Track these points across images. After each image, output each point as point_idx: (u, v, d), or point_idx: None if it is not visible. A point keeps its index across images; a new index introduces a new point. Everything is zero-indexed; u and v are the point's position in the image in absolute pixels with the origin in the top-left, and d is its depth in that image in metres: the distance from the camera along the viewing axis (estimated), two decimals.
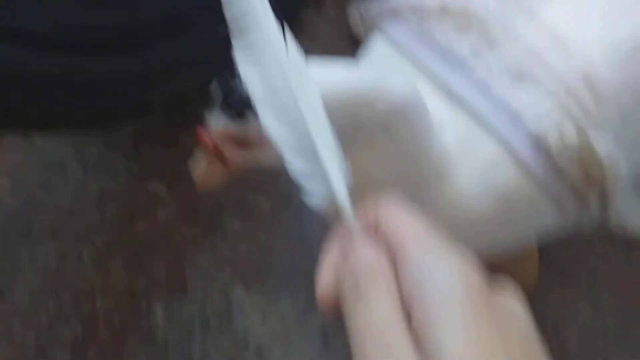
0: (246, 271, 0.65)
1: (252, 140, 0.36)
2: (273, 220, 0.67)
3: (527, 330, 0.27)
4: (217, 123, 0.37)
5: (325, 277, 0.29)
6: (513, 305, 0.28)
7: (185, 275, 0.64)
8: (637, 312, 0.63)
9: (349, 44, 0.63)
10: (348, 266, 0.28)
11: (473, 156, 0.42)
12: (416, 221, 0.28)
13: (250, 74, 0.33)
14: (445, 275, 0.26)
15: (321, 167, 0.30)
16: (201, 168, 0.39)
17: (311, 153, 0.30)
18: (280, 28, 0.33)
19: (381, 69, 0.46)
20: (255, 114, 0.32)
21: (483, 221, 0.44)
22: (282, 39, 0.32)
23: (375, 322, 0.27)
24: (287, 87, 0.32)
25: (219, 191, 0.73)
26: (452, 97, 0.43)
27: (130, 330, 0.62)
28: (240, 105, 0.35)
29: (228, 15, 0.32)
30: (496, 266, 0.63)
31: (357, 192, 0.30)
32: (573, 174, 0.43)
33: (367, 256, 0.28)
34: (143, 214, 0.66)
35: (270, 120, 0.32)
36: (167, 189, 0.68)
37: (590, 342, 0.61)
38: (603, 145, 0.42)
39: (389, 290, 0.27)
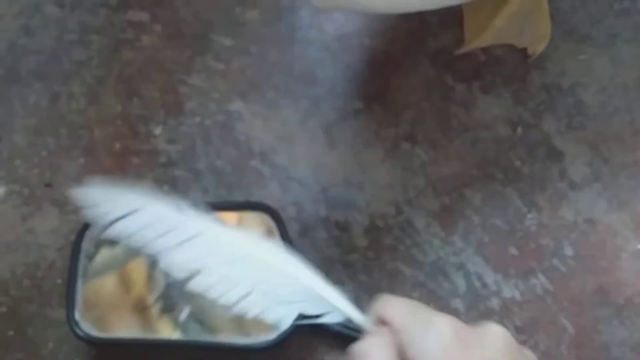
0: (242, 84, 0.62)
1: None
2: (264, 31, 0.64)
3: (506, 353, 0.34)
4: None
5: None
6: (492, 334, 0.34)
7: (180, 95, 0.62)
8: None
9: None
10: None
11: None
12: (403, 304, 0.37)
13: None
14: (425, 337, 0.34)
15: (332, 307, 0.39)
16: None
17: (320, 304, 0.39)
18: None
19: None
20: None
21: None
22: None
23: None
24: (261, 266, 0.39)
25: (205, 9, 0.69)
26: None
27: (132, 154, 0.61)
28: None
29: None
30: (502, 30, 0.59)
31: None
32: None
33: (370, 340, 0.36)
34: (128, 43, 0.64)
35: (266, 308, 0.40)
36: (150, 15, 0.64)
37: (610, 98, 0.58)
38: None
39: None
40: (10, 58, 0.64)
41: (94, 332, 0.49)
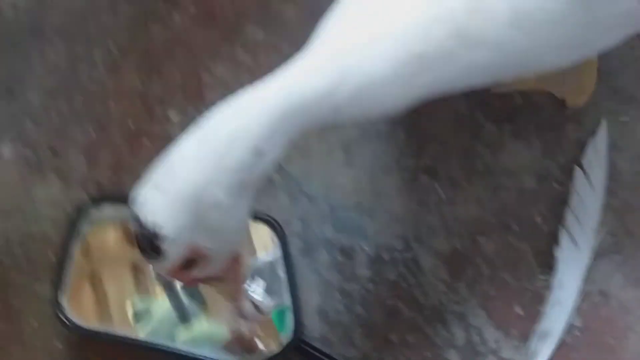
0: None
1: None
2: (298, 29, 0.61)
3: None
4: (162, 268, 0.38)
5: None
6: None
7: (202, 82, 0.60)
8: None
9: None
10: None
11: None
12: None
13: None
14: None
15: None
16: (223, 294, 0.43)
17: None
18: None
19: None
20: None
21: (559, 22, 0.38)
22: None
23: None
24: None
25: None
26: None
27: (144, 134, 0.59)
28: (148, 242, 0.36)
29: None
30: (545, 77, 0.57)
31: None
32: None
33: None
34: (159, 17, 0.61)
35: None
36: None
37: None
38: None
39: None
40: (37, 11, 0.61)
41: (78, 321, 0.48)
